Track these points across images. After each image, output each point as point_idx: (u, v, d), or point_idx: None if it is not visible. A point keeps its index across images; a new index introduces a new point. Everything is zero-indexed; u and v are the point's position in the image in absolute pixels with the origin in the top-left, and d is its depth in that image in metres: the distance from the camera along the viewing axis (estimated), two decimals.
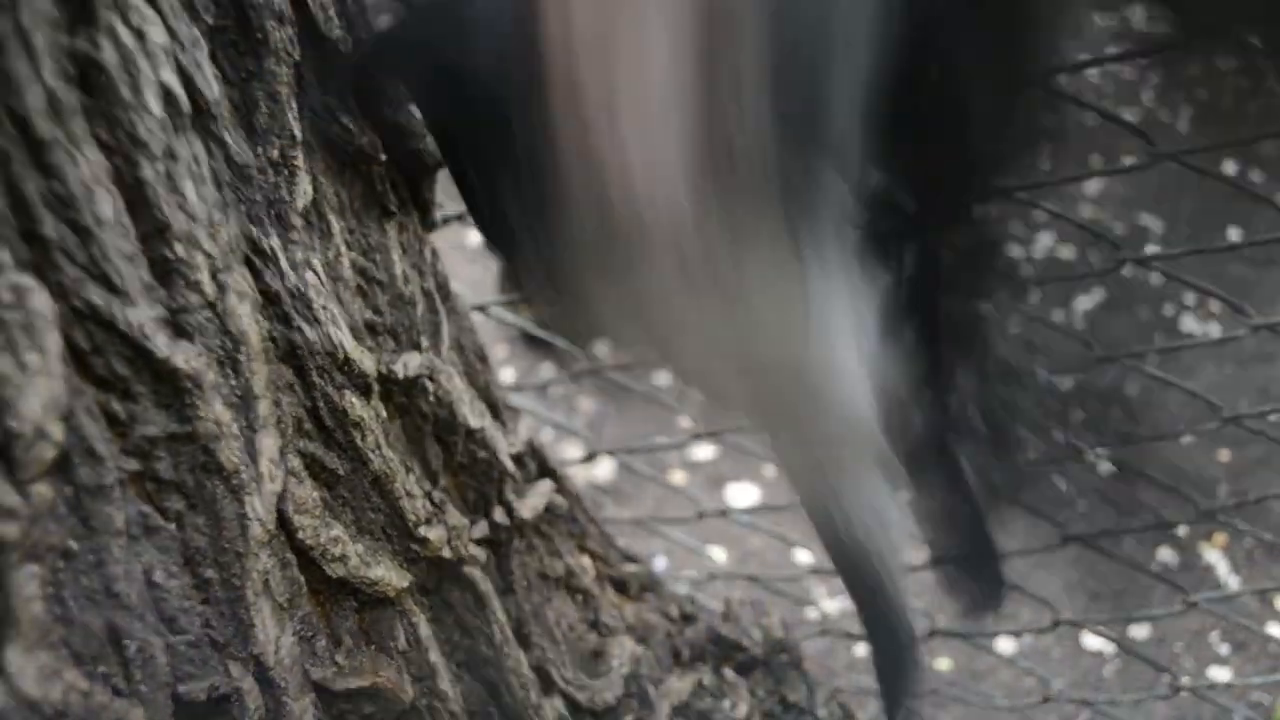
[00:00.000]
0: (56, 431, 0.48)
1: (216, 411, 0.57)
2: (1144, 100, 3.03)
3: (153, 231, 0.54)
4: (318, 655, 0.68)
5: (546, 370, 2.56)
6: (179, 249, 0.55)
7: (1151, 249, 2.82)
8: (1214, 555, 2.15)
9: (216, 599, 0.61)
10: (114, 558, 0.54)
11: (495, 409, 0.94)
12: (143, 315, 0.53)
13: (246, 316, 0.59)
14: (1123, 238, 2.86)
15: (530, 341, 2.49)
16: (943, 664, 1.93)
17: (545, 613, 0.93)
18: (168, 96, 0.54)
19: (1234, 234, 2.90)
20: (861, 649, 1.83)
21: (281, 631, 0.64)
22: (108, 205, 0.52)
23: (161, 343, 0.54)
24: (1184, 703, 1.90)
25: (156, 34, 0.54)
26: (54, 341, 0.48)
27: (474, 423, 0.87)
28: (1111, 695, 1.75)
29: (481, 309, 1.19)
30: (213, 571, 0.60)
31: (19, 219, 0.48)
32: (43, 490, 0.48)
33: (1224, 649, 1.98)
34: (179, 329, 0.56)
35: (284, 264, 0.65)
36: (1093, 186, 3.07)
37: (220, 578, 0.61)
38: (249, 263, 0.62)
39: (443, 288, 0.88)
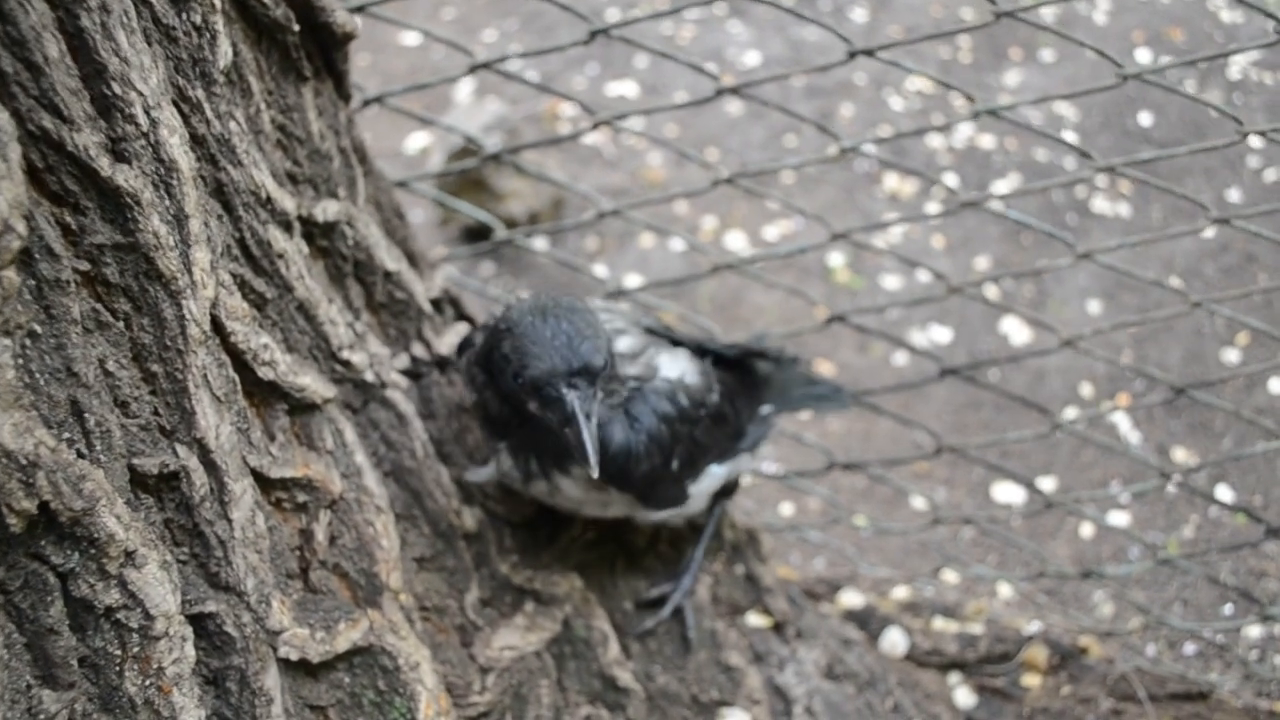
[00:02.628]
0: (21, 227, 0.60)
1: (154, 226, 0.69)
2: None
3: (93, 72, 0.66)
4: (254, 445, 0.80)
5: (486, 269, 2.67)
6: (115, 87, 0.66)
7: (1067, 134, 2.95)
8: (1117, 414, 2.30)
9: (163, 390, 0.73)
10: (73, 343, 0.66)
11: (413, 259, 1.06)
12: (88, 140, 0.65)
13: (177, 147, 0.70)
14: (1040, 124, 2.98)
15: (469, 238, 2.60)
16: (860, 520, 2.08)
17: (466, 438, 1.05)
18: None
19: (1145, 119, 3.03)
20: None
21: (221, 420, 0.76)
22: (54, 47, 0.63)
23: (105, 164, 0.66)
24: (1084, 544, 2.06)
25: None
26: (15, 152, 0.59)
27: (391, 266, 0.98)
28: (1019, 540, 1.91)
29: (403, 184, 1.30)
30: (158, 366, 0.72)
31: None
32: (11, 276, 0.60)
33: (1124, 497, 2.14)
34: (119, 154, 0.67)
35: (209, 112, 0.76)
36: (1013, 79, 3.19)
37: (165, 371, 0.72)
38: (177, 107, 0.73)
39: (359, 149, 0.99)
